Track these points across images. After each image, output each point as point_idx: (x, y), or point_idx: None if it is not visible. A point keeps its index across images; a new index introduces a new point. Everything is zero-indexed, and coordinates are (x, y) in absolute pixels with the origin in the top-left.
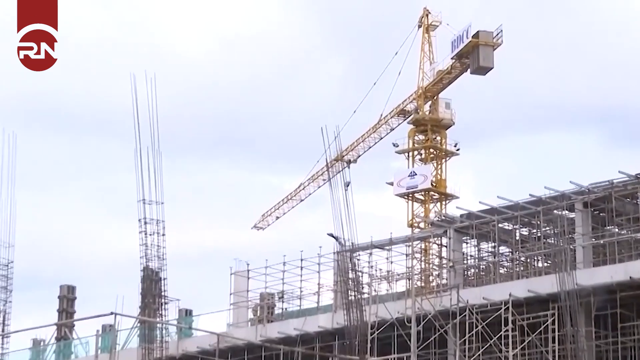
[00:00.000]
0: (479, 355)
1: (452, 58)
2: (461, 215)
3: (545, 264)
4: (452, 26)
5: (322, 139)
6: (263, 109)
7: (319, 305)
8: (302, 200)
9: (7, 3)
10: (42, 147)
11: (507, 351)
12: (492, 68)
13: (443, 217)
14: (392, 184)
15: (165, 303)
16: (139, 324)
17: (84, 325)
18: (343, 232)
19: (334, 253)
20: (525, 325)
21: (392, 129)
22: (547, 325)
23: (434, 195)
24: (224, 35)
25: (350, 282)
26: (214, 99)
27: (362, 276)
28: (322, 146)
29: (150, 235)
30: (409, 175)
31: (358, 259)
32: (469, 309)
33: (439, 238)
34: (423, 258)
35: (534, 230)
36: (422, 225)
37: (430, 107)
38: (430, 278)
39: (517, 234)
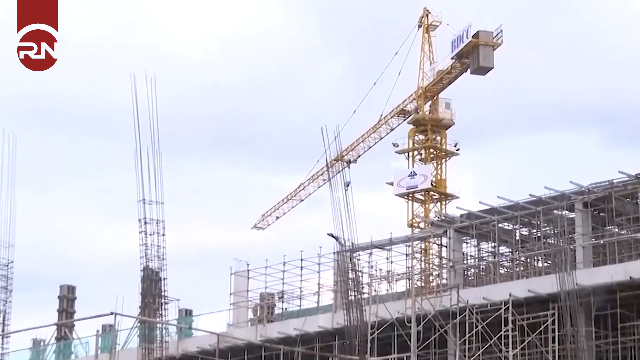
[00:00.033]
0: (479, 355)
1: (452, 58)
2: (461, 215)
3: (545, 264)
4: (452, 26)
5: (322, 139)
6: (263, 109)
7: (319, 305)
8: (302, 200)
9: (7, 3)
10: (42, 147)
11: (507, 351)
12: (492, 68)
13: (443, 217)
14: (392, 184)
15: (165, 303)
16: (139, 324)
17: (84, 325)
18: (343, 232)
19: (334, 253)
20: (525, 325)
21: (392, 129)
22: (547, 325)
23: (434, 195)
24: (224, 35)
25: (350, 282)
26: (214, 99)
27: (362, 276)
28: (322, 146)
29: (150, 235)
30: (409, 175)
31: (358, 259)
32: (469, 309)
33: (439, 238)
34: (423, 258)
35: (534, 230)
36: (422, 225)
37: (430, 107)
38: (430, 278)
39: (517, 234)
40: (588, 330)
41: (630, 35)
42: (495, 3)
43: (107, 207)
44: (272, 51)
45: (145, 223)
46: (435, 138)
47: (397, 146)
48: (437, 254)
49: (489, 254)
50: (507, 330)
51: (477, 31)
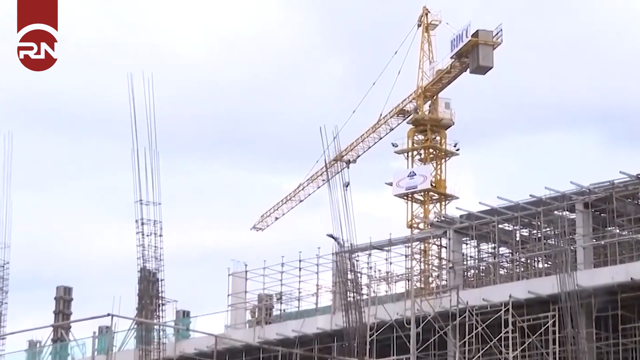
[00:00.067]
0: (479, 357)
1: (451, 57)
2: (461, 216)
3: (546, 265)
4: (452, 25)
5: (321, 139)
6: (263, 109)
7: (317, 306)
8: (301, 201)
9: (7, 3)
10: (42, 147)
11: (507, 353)
12: (491, 67)
13: (443, 218)
14: (391, 184)
15: (163, 304)
16: (136, 326)
17: (80, 327)
18: (342, 233)
19: (332, 254)
20: (526, 326)
21: (391, 129)
22: (548, 326)
23: (434, 195)
24: (224, 35)
25: (349, 283)
26: (214, 99)
27: (361, 277)
28: (321, 146)
29: (148, 236)
30: (408, 176)
31: (357, 260)
32: (469, 311)
33: (439, 239)
34: (422, 259)
35: (534, 231)
36: (421, 226)
37: (429, 106)
38: (430, 279)
39: (518, 235)
40: (589, 332)
41: (631, 35)
42: (495, 2)
43: (104, 207)
44: (271, 51)
45: (143, 224)
46: (435, 138)
47: (397, 146)
48: (437, 255)
49: (489, 255)
50: (507, 332)
51: (477, 30)
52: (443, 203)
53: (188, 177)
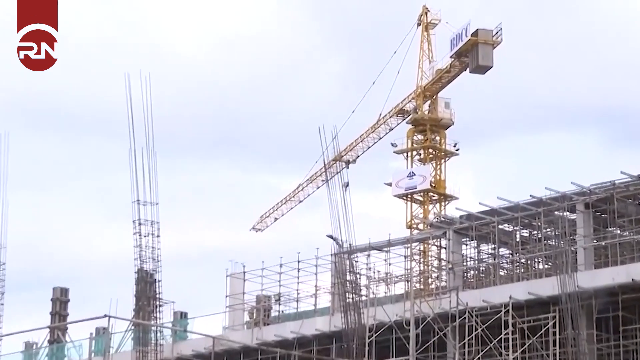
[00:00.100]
0: (479, 358)
1: (451, 57)
2: (461, 217)
3: (546, 266)
4: (452, 24)
5: (320, 140)
6: (262, 109)
7: (316, 307)
8: (300, 202)
9: (7, 3)
10: (42, 147)
11: (507, 354)
12: (491, 67)
13: (442, 219)
14: (390, 184)
15: (160, 305)
16: (133, 327)
17: (77, 328)
18: (341, 234)
19: (331, 255)
20: (526, 328)
21: (391, 129)
22: (548, 328)
23: (433, 196)
24: (224, 35)
25: (348, 284)
26: (214, 99)
27: (360, 278)
28: (320, 146)
29: (145, 236)
30: (407, 176)
31: (356, 261)
32: (469, 312)
33: (438, 239)
34: (422, 260)
35: (535, 232)
36: (421, 226)
37: (429, 106)
38: (430, 280)
39: (518, 236)
40: (589, 333)
41: (631, 35)
42: (496, 1)
43: (102, 208)
44: (271, 51)
45: (140, 224)
46: (435, 138)
47: (396, 146)
48: (436, 256)
49: (489, 255)
50: (507, 333)
51: (477, 29)
52: (443, 203)
53: (187, 177)
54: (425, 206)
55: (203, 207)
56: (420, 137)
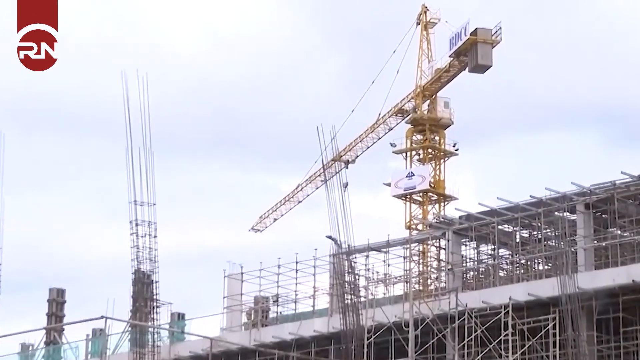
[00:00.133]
0: None
1: (450, 56)
2: (460, 217)
3: (546, 267)
4: (451, 23)
5: (318, 139)
6: (261, 109)
7: (314, 309)
8: (300, 202)
9: (7, 3)
10: (42, 147)
11: (507, 356)
12: (490, 66)
13: (441, 219)
14: (389, 184)
15: (157, 306)
16: (130, 328)
17: (73, 330)
18: (339, 234)
19: (330, 255)
20: (526, 329)
21: (390, 129)
22: (548, 329)
23: (432, 196)
24: (223, 35)
25: (346, 285)
26: (213, 99)
27: (358, 279)
28: (319, 146)
29: (142, 237)
30: (406, 176)
31: (355, 262)
32: (468, 313)
33: (438, 240)
34: (421, 261)
35: (535, 232)
36: (420, 227)
37: (428, 106)
38: (429, 281)
39: (517, 236)
40: (589, 335)
41: (631, 35)
42: (495, 1)
43: (100, 208)
44: (270, 51)
45: (137, 224)
46: (434, 138)
47: (395, 146)
48: (436, 257)
49: (489, 256)
50: (507, 335)
51: (476, 28)
52: (442, 204)
53: (186, 178)
54: (425, 206)
55: (202, 208)
56: (419, 137)
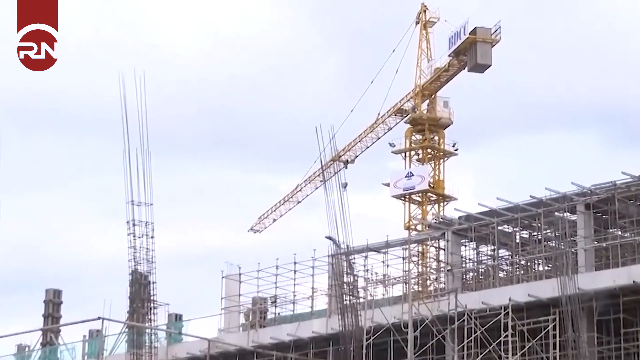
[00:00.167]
0: None
1: (449, 55)
2: (459, 218)
3: (546, 268)
4: (451, 22)
5: (317, 139)
6: (260, 109)
7: (313, 310)
8: (299, 202)
9: (7, 3)
10: (42, 148)
11: (507, 357)
12: (490, 65)
13: (441, 219)
14: (388, 185)
15: (155, 307)
16: (127, 329)
17: (70, 331)
18: (338, 235)
19: (328, 256)
20: (526, 330)
21: (389, 129)
22: (548, 330)
23: (432, 196)
24: (222, 35)
25: (345, 286)
26: (212, 99)
27: (357, 280)
28: (318, 147)
29: (139, 237)
30: (405, 176)
31: (353, 262)
32: (468, 314)
33: (437, 241)
34: (420, 261)
35: (535, 233)
36: (419, 227)
37: (427, 105)
38: (428, 282)
39: (517, 237)
40: (590, 336)
41: (631, 35)
42: (495, 0)
43: (98, 208)
44: (269, 50)
45: (134, 225)
46: (433, 138)
47: (394, 146)
48: (435, 257)
49: (488, 257)
50: (506, 336)
51: (475, 27)
52: (441, 204)
53: (185, 178)
54: (424, 207)
55: (200, 208)
56: (418, 136)
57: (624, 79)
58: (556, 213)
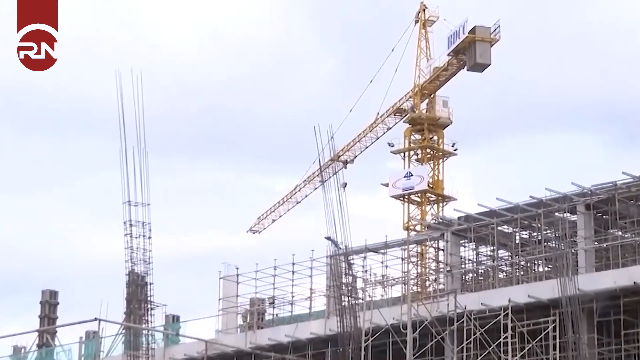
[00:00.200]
0: None
1: (448, 54)
2: (459, 218)
3: (546, 269)
4: (450, 21)
5: (315, 139)
6: (259, 109)
7: (311, 311)
8: (298, 203)
9: (7, 3)
10: (42, 148)
11: (507, 359)
12: (489, 65)
13: (440, 220)
14: (387, 185)
15: (152, 309)
16: (123, 331)
17: (66, 332)
18: (337, 235)
19: (327, 257)
20: (525, 331)
21: (388, 129)
22: (548, 331)
23: (431, 197)
24: (219, 34)
25: (343, 287)
26: (210, 99)
27: (356, 281)
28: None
29: (136, 238)
30: (404, 176)
31: (352, 263)
32: (467, 315)
33: (436, 241)
34: (419, 262)
35: (535, 234)
36: (418, 228)
37: (427, 105)
38: (427, 283)
39: (517, 237)
40: (590, 337)
41: (631, 35)
42: None
43: (96, 209)
44: (267, 50)
45: (131, 225)
46: (432, 137)
47: (393, 146)
48: (434, 258)
49: (488, 257)
50: (506, 337)
51: (474, 26)
52: (440, 204)
53: (183, 178)
54: (423, 207)
55: (198, 209)
56: (417, 136)
57: (624, 79)
58: (556, 213)
